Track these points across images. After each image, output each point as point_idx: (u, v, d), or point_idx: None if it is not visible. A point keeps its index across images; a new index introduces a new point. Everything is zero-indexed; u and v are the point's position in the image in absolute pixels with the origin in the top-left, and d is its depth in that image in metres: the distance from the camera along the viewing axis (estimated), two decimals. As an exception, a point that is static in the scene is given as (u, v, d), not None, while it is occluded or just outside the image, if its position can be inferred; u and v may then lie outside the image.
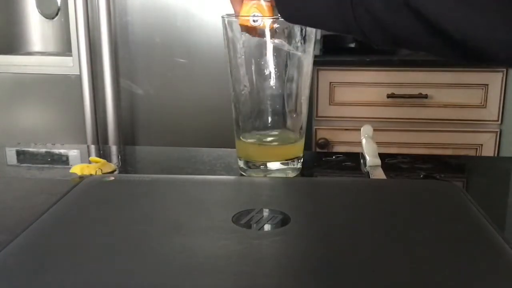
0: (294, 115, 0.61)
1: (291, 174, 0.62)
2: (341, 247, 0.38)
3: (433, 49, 0.43)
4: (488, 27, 0.38)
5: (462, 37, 0.39)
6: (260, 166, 0.61)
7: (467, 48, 0.40)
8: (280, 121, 0.62)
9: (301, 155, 0.64)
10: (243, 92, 0.60)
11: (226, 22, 0.59)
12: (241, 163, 0.63)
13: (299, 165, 0.63)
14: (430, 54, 0.44)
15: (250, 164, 0.62)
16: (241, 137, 0.62)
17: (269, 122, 0.61)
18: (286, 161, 0.62)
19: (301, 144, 0.63)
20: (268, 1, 0.53)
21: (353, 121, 1.51)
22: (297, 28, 0.57)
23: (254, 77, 0.59)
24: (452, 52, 0.42)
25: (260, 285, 0.33)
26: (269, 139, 0.62)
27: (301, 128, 0.62)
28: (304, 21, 0.50)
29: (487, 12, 0.38)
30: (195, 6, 1.36)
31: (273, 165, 0.61)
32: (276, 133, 0.62)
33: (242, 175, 0.63)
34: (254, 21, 0.54)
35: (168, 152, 0.77)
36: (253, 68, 0.59)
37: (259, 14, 0.54)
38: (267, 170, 0.61)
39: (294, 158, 0.62)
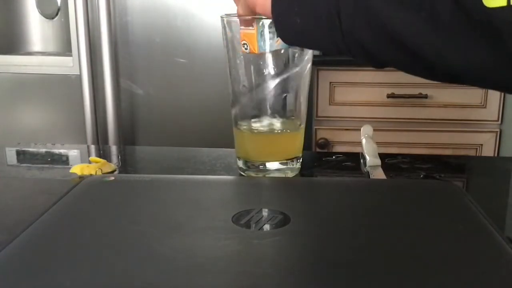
0: (293, 115, 0.61)
1: (290, 174, 0.62)
2: (341, 247, 0.38)
3: (416, 72, 0.48)
4: (461, 52, 0.42)
5: (441, 64, 0.44)
6: (259, 166, 0.61)
7: (445, 71, 0.45)
8: (279, 121, 0.62)
9: (300, 155, 0.63)
10: (242, 92, 0.60)
11: (225, 22, 0.59)
12: (240, 163, 0.63)
13: (298, 165, 0.63)
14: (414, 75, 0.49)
15: (249, 164, 0.62)
16: (238, 126, 0.62)
17: (267, 124, 0.62)
18: (285, 161, 0.62)
19: (300, 144, 0.63)
20: (252, 28, 0.56)
21: (353, 121, 1.51)
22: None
23: (253, 77, 0.59)
24: (433, 75, 0.47)
25: (260, 285, 0.33)
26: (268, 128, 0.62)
27: (300, 127, 0.62)
28: (303, 44, 0.55)
29: (461, 40, 0.41)
30: (195, 6, 1.36)
31: (272, 165, 0.61)
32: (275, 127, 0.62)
33: (241, 175, 0.63)
34: (245, 48, 0.57)
35: (168, 152, 0.77)
36: (252, 68, 0.59)
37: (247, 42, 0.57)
38: (266, 170, 0.61)
39: (293, 158, 0.62)
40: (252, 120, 0.62)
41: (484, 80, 0.45)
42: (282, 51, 0.57)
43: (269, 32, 0.55)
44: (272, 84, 0.59)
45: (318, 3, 0.48)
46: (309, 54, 0.60)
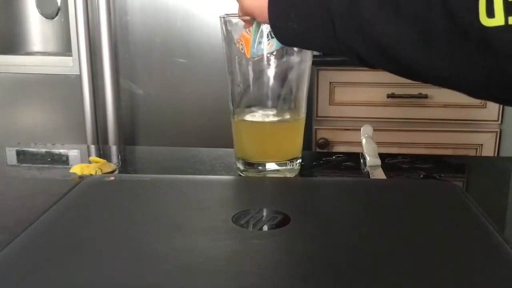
0: (293, 107, 0.61)
1: (289, 175, 0.62)
2: (341, 247, 0.38)
3: (411, 79, 0.49)
4: (454, 69, 0.42)
5: (435, 77, 0.45)
6: (258, 167, 0.61)
7: (439, 83, 0.46)
8: (278, 112, 0.61)
9: (299, 155, 0.63)
10: (241, 92, 0.60)
11: (225, 21, 0.59)
12: (239, 164, 0.63)
13: (297, 166, 0.63)
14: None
15: (247, 165, 0.62)
16: (235, 117, 0.62)
17: (266, 115, 0.61)
18: (284, 162, 0.61)
19: (299, 142, 0.63)
20: (249, 33, 0.57)
21: (353, 121, 1.51)
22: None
23: (252, 76, 0.59)
24: (427, 83, 0.48)
25: (260, 285, 0.33)
26: (267, 119, 0.62)
27: (300, 117, 0.62)
28: (302, 47, 0.57)
29: (455, 58, 0.41)
30: (195, 6, 1.36)
31: (271, 166, 0.61)
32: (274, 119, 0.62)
33: (240, 175, 0.63)
34: (241, 49, 0.58)
35: (168, 152, 0.77)
36: (251, 67, 0.59)
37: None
38: (264, 171, 0.61)
39: (292, 159, 0.62)
40: (251, 113, 0.61)
41: (478, 93, 0.45)
42: (275, 53, 0.58)
43: (263, 37, 0.56)
44: (271, 83, 0.59)
45: (313, 10, 0.48)
46: (309, 52, 0.60)
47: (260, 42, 0.57)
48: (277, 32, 0.52)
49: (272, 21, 0.52)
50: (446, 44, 0.41)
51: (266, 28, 0.56)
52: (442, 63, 0.42)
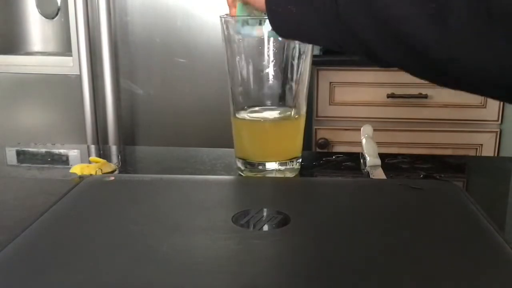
0: (292, 105, 0.61)
1: (289, 175, 0.62)
2: (341, 247, 0.38)
3: (419, 73, 0.43)
4: (476, 54, 0.37)
5: (453, 66, 0.39)
6: (258, 166, 0.61)
7: (456, 76, 0.40)
8: (278, 110, 0.61)
9: (299, 155, 0.63)
10: (241, 91, 0.60)
11: (225, 21, 0.59)
12: (239, 163, 0.63)
13: (298, 166, 0.63)
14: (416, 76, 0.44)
15: (248, 165, 0.62)
16: (236, 114, 0.62)
17: (266, 112, 0.61)
18: (284, 162, 0.61)
19: (299, 141, 0.63)
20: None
21: (353, 121, 1.51)
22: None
23: (252, 76, 0.59)
24: (439, 79, 0.42)
25: (260, 285, 0.33)
26: (266, 114, 0.61)
27: (300, 114, 0.62)
28: (296, 36, 0.51)
29: (478, 39, 0.36)
30: (195, 6, 1.36)
31: (271, 165, 0.61)
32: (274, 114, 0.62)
33: (240, 175, 0.63)
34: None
35: (168, 152, 0.77)
36: (251, 67, 0.59)
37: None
38: (264, 170, 0.61)
39: (292, 159, 0.62)
40: (251, 111, 0.61)
41: (497, 87, 0.39)
42: (275, 51, 0.57)
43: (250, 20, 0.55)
44: (271, 83, 0.59)
45: None
46: (309, 52, 0.60)
47: (252, 25, 0.55)
48: (274, 18, 0.48)
49: (269, 5, 0.48)
50: (467, 26, 0.36)
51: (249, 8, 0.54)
52: (463, 48, 0.37)
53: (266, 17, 0.50)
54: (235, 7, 0.55)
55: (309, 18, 0.45)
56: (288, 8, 0.46)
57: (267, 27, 0.52)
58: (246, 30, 0.56)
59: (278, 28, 0.49)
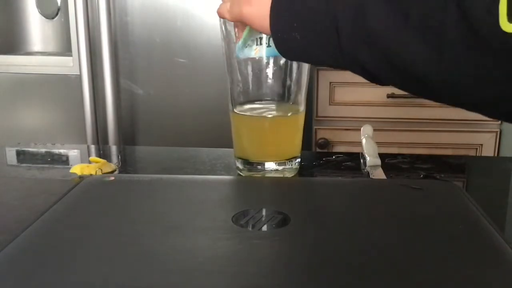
0: (292, 101, 0.61)
1: (288, 175, 0.62)
2: (340, 247, 0.38)
3: (421, 96, 0.45)
4: (474, 84, 0.39)
5: (451, 94, 0.41)
6: (256, 166, 0.61)
7: (455, 102, 0.42)
8: (278, 106, 0.61)
9: (298, 155, 0.63)
10: (240, 91, 0.60)
11: (225, 21, 0.59)
12: (238, 163, 0.63)
13: (297, 166, 0.63)
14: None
15: (246, 165, 0.62)
16: (234, 110, 0.62)
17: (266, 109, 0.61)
18: (283, 161, 0.61)
19: (298, 142, 0.63)
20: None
21: (353, 121, 1.51)
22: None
23: (251, 76, 0.59)
24: (439, 101, 0.44)
25: (260, 285, 0.33)
26: (265, 111, 0.61)
27: (299, 111, 0.62)
28: (303, 60, 0.54)
29: (474, 70, 0.38)
30: (195, 6, 1.36)
31: (270, 165, 0.61)
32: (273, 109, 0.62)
33: (239, 175, 0.63)
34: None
35: (168, 152, 0.77)
36: (250, 67, 0.59)
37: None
38: (263, 170, 0.61)
39: (291, 158, 0.62)
40: (250, 109, 0.61)
41: (497, 108, 0.40)
42: (257, 58, 0.58)
43: (254, 41, 0.56)
44: (270, 83, 0.59)
45: (318, 18, 0.45)
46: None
47: (249, 46, 0.56)
48: (279, 43, 0.50)
49: (274, 32, 0.49)
50: (461, 53, 0.37)
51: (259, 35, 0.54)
52: (461, 79, 0.38)
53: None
54: (242, 31, 0.55)
55: (313, 45, 0.47)
56: (292, 35, 0.48)
57: (264, 49, 0.55)
58: (246, 52, 0.56)
59: (284, 53, 0.51)
